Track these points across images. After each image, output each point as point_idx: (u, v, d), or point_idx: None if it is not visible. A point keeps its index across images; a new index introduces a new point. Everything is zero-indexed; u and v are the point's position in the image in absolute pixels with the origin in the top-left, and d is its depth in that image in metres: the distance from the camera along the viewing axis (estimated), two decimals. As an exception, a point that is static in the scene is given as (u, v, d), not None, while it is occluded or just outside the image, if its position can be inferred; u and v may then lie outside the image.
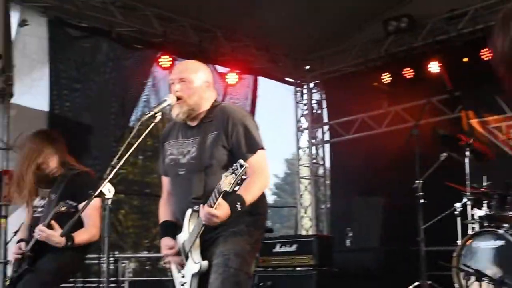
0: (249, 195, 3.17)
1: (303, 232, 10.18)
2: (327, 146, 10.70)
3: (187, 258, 3.30)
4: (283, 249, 6.63)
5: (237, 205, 3.10)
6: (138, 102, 8.21)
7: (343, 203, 9.66)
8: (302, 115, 10.73)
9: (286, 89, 10.77)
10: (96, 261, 7.25)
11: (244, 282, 3.24)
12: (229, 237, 3.25)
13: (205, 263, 3.24)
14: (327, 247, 6.69)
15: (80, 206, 3.90)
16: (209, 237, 3.29)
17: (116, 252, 8.29)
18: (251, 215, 3.31)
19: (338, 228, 9.22)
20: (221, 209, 3.06)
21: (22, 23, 7.46)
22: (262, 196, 3.38)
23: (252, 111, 9.79)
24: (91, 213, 3.96)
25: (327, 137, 10.67)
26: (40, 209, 4.17)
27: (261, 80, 9.96)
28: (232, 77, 9.19)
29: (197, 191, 3.22)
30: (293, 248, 6.57)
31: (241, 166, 2.96)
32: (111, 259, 7.54)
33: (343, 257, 7.40)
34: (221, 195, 3.01)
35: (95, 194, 3.09)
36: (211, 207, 3.05)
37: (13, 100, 7.05)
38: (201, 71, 3.46)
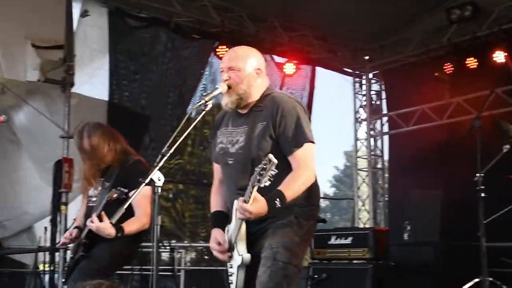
0: (290, 191, 3.10)
1: (361, 225, 10.05)
2: (386, 138, 10.55)
3: (233, 249, 3.27)
4: (339, 241, 6.54)
5: (276, 201, 3.04)
6: (195, 92, 8.27)
7: (402, 196, 9.47)
8: (361, 106, 10.60)
9: (344, 80, 10.65)
10: (149, 250, 7.33)
11: (293, 275, 3.17)
12: (277, 229, 3.20)
13: (247, 256, 3.20)
14: (383, 240, 6.54)
15: (131, 193, 3.92)
16: (258, 229, 3.25)
17: (173, 241, 8.37)
18: (301, 206, 3.25)
19: (396, 221, 9.05)
20: (256, 205, 3.00)
21: (84, 14, 7.61)
22: (313, 187, 3.29)
23: (310, 102, 9.73)
24: (141, 201, 3.96)
25: (386, 128, 10.52)
26: (94, 199, 4.21)
27: (319, 70, 9.88)
28: (289, 67, 9.14)
29: (243, 182, 3.15)
30: (348, 240, 6.47)
31: (270, 161, 2.90)
32: (168, 248, 7.64)
33: (400, 251, 7.23)
34: (254, 189, 2.96)
35: (145, 182, 3.08)
36: (247, 202, 3.01)
37: (74, 89, 7.19)
38: (251, 58, 3.37)
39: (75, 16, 7.41)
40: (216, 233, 3.35)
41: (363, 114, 10.57)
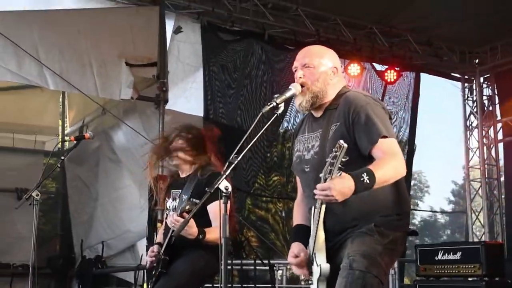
0: (380, 170, 2.72)
1: (476, 240, 9.40)
2: (501, 146, 9.92)
3: (313, 262, 2.97)
4: (447, 257, 6.02)
5: (363, 175, 2.66)
6: (289, 104, 8.03)
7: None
8: (471, 113, 9.98)
9: (452, 85, 10.09)
10: (252, 267, 7.17)
11: (373, 285, 2.81)
12: (356, 238, 2.88)
13: (326, 266, 2.88)
14: (497, 255, 5.96)
15: (209, 206, 3.72)
16: (337, 241, 2.95)
17: (276, 259, 8.19)
18: (383, 215, 2.91)
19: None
20: (338, 179, 2.63)
21: (177, 30, 7.64)
22: (399, 195, 2.95)
23: (414, 110, 9.28)
24: (218, 213, 3.72)
25: (500, 135, 9.89)
26: (172, 212, 4.04)
27: (424, 76, 9.41)
28: (391, 75, 8.74)
29: None
30: (457, 256, 5.93)
31: (340, 146, 2.58)
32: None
33: (519, 267, 6.59)
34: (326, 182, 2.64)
35: (210, 192, 2.87)
36: None
37: (168, 106, 7.17)
38: (326, 56, 3.13)
39: (168, 33, 7.43)
40: (293, 246, 3.10)
41: (474, 121, 9.97)
